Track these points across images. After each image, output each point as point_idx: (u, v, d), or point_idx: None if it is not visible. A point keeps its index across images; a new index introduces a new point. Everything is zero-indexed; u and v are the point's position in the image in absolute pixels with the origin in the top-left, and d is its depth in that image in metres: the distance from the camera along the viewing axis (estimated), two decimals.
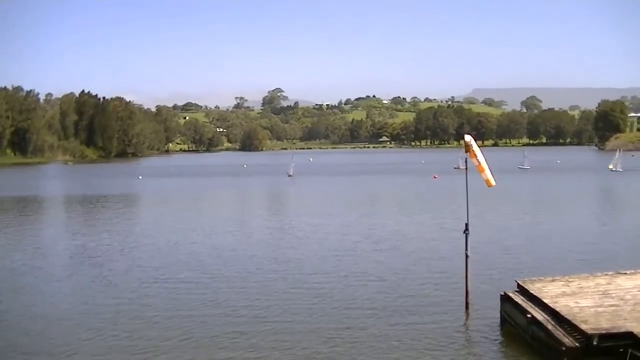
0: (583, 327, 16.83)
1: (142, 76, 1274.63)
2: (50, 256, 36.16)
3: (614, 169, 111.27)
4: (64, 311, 23.93)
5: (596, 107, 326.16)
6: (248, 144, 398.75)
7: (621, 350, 16.30)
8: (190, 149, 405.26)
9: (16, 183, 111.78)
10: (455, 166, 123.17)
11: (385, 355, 18.79)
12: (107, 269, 31.55)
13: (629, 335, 16.46)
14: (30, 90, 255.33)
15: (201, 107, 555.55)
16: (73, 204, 71.21)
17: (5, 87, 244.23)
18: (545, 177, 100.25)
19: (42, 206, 70.48)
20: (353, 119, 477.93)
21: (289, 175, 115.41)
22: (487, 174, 22.61)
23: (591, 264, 28.45)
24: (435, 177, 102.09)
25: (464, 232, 22.95)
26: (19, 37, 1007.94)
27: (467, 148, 22.42)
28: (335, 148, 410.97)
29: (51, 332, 21.49)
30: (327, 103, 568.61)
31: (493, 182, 22.91)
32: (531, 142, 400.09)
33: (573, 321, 17.31)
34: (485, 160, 22.75)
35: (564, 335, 17.06)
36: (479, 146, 23.45)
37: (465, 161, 22.87)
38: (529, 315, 18.85)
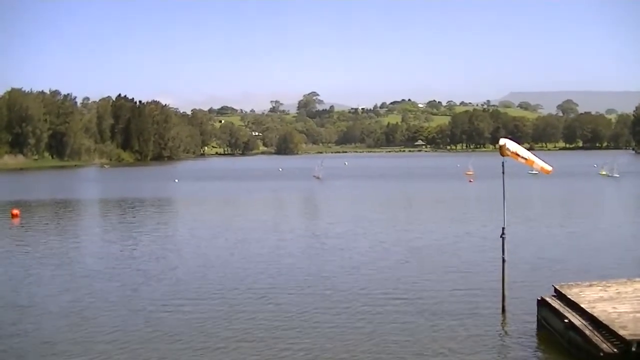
0: (622, 332, 16.60)
1: (179, 80, 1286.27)
2: (91, 261, 36.24)
3: (610, 175, 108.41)
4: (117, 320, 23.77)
5: (633, 111, 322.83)
6: (283, 148, 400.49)
7: None
8: (226, 153, 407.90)
9: (55, 186, 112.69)
10: (465, 172, 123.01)
11: (420, 358, 18.67)
12: (148, 276, 31.24)
13: None
14: (68, 94, 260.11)
15: (237, 110, 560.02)
16: (111, 207, 71.54)
17: (42, 91, 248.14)
18: (551, 182, 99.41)
19: (80, 210, 70.81)
20: (388, 123, 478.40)
21: (317, 178, 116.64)
22: (540, 163, 22.41)
23: (629, 269, 28.08)
24: (470, 182, 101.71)
25: (501, 237, 22.74)
26: (56, 42, 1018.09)
27: (503, 151, 22.21)
28: (370, 152, 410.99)
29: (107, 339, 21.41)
30: (363, 107, 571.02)
31: (549, 168, 22.71)
32: (567, 146, 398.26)
33: (611, 327, 17.09)
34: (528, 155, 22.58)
35: (602, 341, 16.84)
36: None
37: (503, 165, 22.63)
38: (566, 321, 18.64)
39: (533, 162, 22.36)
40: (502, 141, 22.59)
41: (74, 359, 19.16)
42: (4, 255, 37.72)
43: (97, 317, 23.48)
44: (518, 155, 22.25)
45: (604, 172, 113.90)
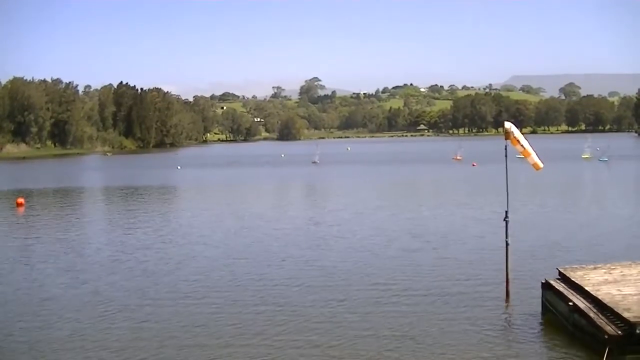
0: (626, 315, 16.67)
1: (181, 68, 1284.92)
2: (98, 251, 36.33)
3: (602, 159, 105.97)
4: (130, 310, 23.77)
5: (636, 93, 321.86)
6: (285, 134, 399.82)
7: None
8: (228, 139, 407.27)
9: (58, 174, 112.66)
10: (453, 157, 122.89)
11: (425, 343, 18.79)
12: (166, 265, 31.07)
13: None
14: (70, 82, 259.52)
15: (239, 97, 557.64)
16: (116, 195, 71.44)
17: (44, 79, 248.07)
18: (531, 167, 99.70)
19: (85, 198, 70.90)
20: (390, 108, 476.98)
21: (314, 162, 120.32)
22: (534, 157, 22.49)
23: (634, 252, 28.11)
24: (474, 165, 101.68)
25: (504, 220, 22.78)
26: (57, 30, 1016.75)
27: (507, 135, 22.29)
28: (373, 137, 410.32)
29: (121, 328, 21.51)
30: (365, 92, 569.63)
31: (541, 165, 22.78)
32: (570, 129, 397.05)
33: (616, 309, 17.15)
34: (530, 145, 22.68)
35: (606, 323, 16.91)
36: None
37: (506, 148, 22.69)
38: (570, 304, 18.71)
39: (529, 154, 22.43)
40: (507, 125, 22.66)
41: (103, 352, 18.98)
42: (15, 246, 37.56)
43: (121, 309, 23.19)
44: (518, 142, 22.32)
45: (586, 155, 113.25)
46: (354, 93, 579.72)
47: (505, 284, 22.96)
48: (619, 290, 18.86)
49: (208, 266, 30.29)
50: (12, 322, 21.96)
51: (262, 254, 32.74)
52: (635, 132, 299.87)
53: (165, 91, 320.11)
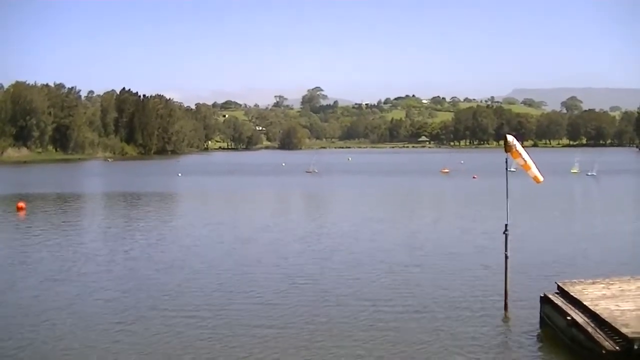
0: (624, 330, 16.67)
1: (184, 76, 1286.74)
2: (97, 258, 36.26)
3: (590, 174, 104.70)
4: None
5: (638, 108, 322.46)
6: (287, 143, 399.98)
7: None
8: (230, 147, 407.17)
9: (59, 179, 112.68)
10: (441, 170, 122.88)
11: (423, 356, 18.81)
12: (185, 273, 30.93)
13: None
14: (72, 88, 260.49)
15: (241, 105, 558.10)
16: (118, 201, 71.29)
17: (47, 83, 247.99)
18: (528, 180, 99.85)
19: (86, 204, 70.74)
20: (392, 119, 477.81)
21: (312, 172, 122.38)
22: (534, 171, 22.63)
23: (632, 267, 28.13)
24: (474, 177, 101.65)
25: (504, 233, 22.79)
26: (60, 35, 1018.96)
27: (509, 148, 22.33)
28: (374, 147, 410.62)
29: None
30: (367, 102, 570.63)
31: (541, 178, 22.94)
32: (571, 143, 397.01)
33: (614, 324, 17.16)
34: (531, 158, 22.76)
35: (604, 338, 16.91)
36: None
37: (506, 161, 22.75)
38: (569, 318, 18.71)
39: (529, 167, 22.59)
40: (509, 138, 22.70)
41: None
42: (17, 252, 37.23)
43: (133, 321, 22.84)
44: (520, 155, 22.40)
45: (575, 170, 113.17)
46: (355, 103, 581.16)
47: (504, 297, 22.97)
48: (617, 305, 18.86)
49: (220, 277, 29.95)
50: (20, 333, 21.55)
51: (270, 267, 32.34)
52: (636, 147, 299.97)
53: (168, 98, 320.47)
